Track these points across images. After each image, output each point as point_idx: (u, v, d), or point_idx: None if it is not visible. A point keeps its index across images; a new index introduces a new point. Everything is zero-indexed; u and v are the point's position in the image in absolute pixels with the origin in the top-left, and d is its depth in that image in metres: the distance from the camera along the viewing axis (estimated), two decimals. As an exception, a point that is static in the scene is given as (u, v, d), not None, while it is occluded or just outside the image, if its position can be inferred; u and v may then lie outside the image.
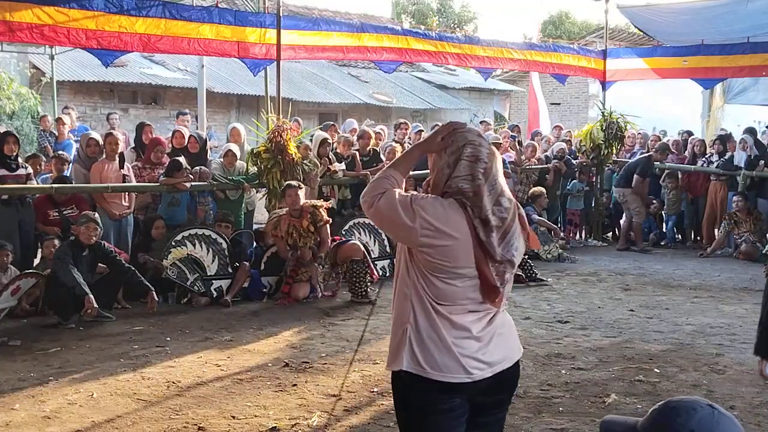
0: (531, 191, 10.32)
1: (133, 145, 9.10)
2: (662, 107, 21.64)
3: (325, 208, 7.59)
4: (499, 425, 2.50)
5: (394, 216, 2.30)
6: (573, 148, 11.85)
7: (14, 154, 7.25)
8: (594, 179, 11.66)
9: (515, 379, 2.48)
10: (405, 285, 2.38)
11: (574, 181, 11.46)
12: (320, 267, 7.59)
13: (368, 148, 9.35)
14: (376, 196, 2.34)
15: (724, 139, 11.25)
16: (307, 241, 7.47)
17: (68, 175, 7.97)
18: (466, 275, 2.31)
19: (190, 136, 8.83)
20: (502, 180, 2.38)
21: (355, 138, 9.62)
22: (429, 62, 11.20)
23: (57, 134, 10.35)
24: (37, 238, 7.43)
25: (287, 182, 7.63)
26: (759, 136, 11.42)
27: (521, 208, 2.48)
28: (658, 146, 11.19)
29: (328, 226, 7.57)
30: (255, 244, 8.22)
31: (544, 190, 10.32)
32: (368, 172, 8.95)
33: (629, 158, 11.92)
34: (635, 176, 10.67)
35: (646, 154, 11.02)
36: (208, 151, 9.03)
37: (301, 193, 7.46)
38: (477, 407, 2.40)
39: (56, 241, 7.04)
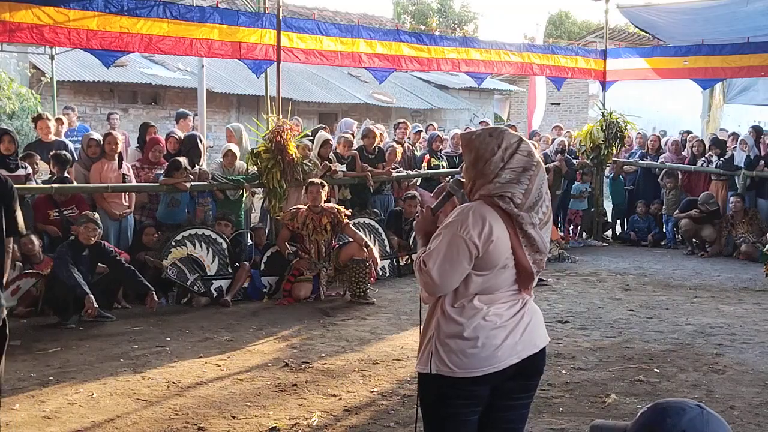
0: None
1: (137, 144, 9.06)
2: (662, 107, 21.63)
3: (345, 214, 7.68)
4: (523, 409, 2.62)
5: (457, 268, 2.45)
6: (572, 147, 11.85)
7: (12, 153, 7.22)
8: (594, 180, 11.68)
9: (540, 364, 2.60)
10: None
11: (576, 183, 11.46)
12: (324, 270, 7.61)
13: (373, 146, 9.37)
14: (427, 277, 2.48)
15: (721, 142, 11.23)
16: (320, 238, 7.54)
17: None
18: (506, 265, 2.49)
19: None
20: (545, 182, 2.57)
21: (354, 138, 9.61)
22: (422, 70, 11.08)
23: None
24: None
25: (310, 179, 7.77)
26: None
27: None
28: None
29: (351, 225, 7.75)
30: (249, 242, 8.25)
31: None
32: (368, 173, 8.95)
33: (628, 158, 11.94)
34: None
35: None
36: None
37: (323, 191, 7.60)
38: (501, 392, 2.53)
39: (33, 236, 6.95)
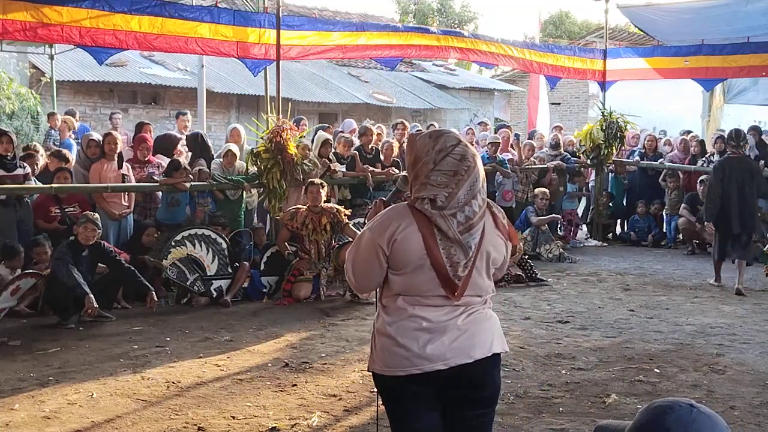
0: (534, 192, 10.37)
1: (131, 144, 9.08)
2: (662, 107, 21.64)
3: (345, 214, 7.67)
4: (477, 420, 2.55)
5: (368, 267, 2.51)
6: (573, 147, 11.86)
7: (10, 153, 7.20)
8: (589, 182, 11.70)
9: (480, 376, 2.49)
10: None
11: (571, 184, 11.48)
12: (324, 270, 7.61)
13: (371, 146, 9.36)
14: (347, 275, 2.60)
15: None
16: (320, 238, 7.53)
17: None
18: (422, 266, 2.44)
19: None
20: (482, 184, 2.50)
21: (355, 138, 9.60)
22: (431, 57, 11.06)
23: (60, 133, 10.33)
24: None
25: (310, 179, 7.76)
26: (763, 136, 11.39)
27: (501, 210, 2.62)
28: None
29: (351, 225, 7.74)
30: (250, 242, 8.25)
31: (545, 190, 10.31)
32: (368, 173, 8.94)
33: (628, 158, 11.93)
34: None
35: None
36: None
37: (323, 191, 7.59)
38: (451, 401, 2.51)
39: (45, 244, 6.99)
